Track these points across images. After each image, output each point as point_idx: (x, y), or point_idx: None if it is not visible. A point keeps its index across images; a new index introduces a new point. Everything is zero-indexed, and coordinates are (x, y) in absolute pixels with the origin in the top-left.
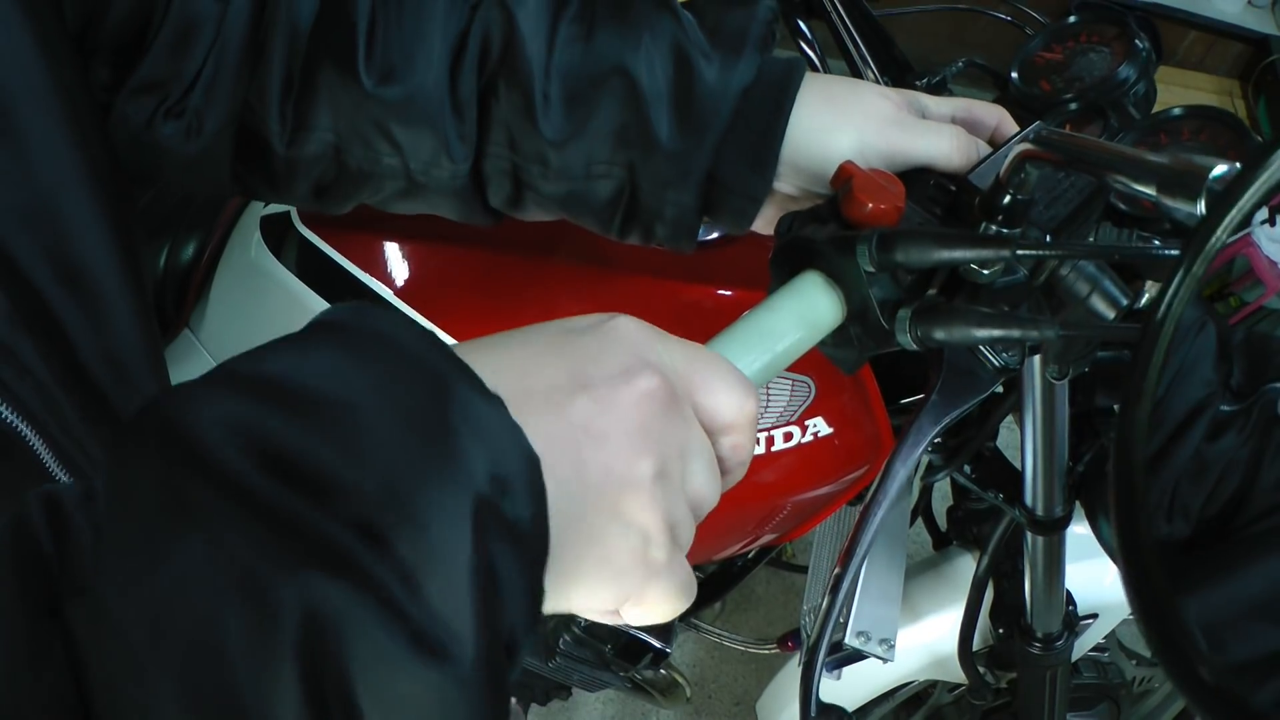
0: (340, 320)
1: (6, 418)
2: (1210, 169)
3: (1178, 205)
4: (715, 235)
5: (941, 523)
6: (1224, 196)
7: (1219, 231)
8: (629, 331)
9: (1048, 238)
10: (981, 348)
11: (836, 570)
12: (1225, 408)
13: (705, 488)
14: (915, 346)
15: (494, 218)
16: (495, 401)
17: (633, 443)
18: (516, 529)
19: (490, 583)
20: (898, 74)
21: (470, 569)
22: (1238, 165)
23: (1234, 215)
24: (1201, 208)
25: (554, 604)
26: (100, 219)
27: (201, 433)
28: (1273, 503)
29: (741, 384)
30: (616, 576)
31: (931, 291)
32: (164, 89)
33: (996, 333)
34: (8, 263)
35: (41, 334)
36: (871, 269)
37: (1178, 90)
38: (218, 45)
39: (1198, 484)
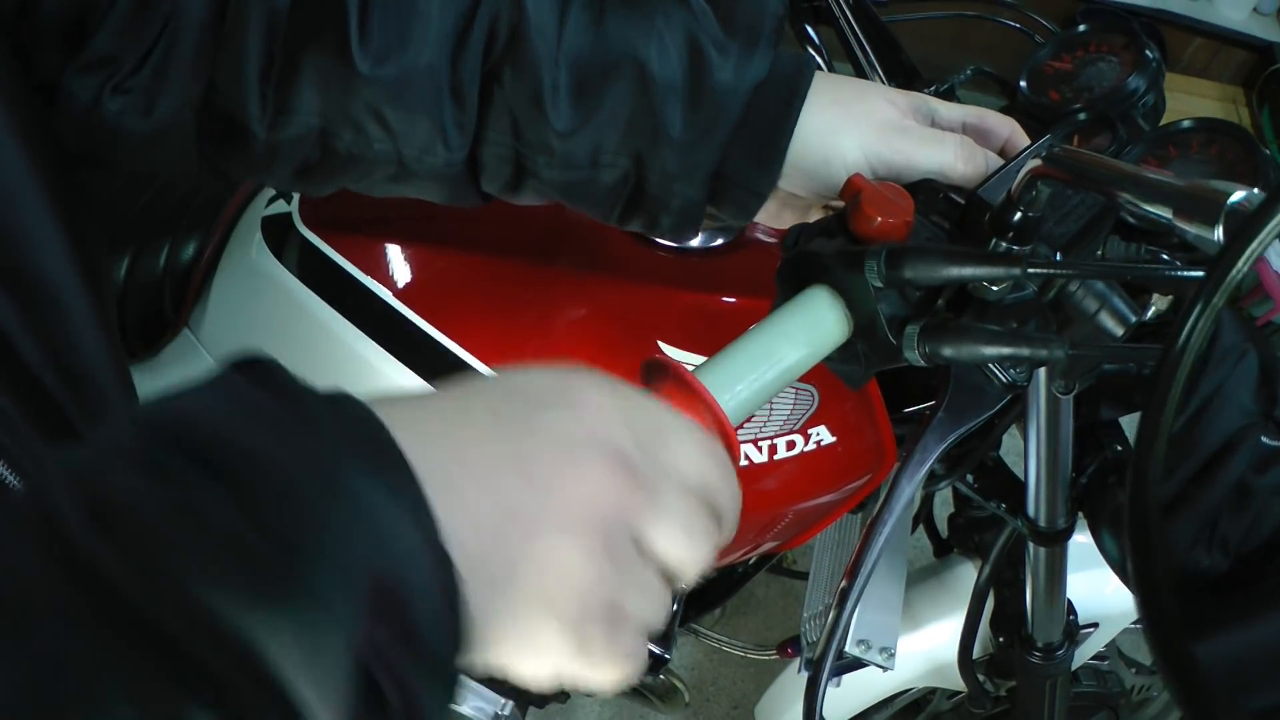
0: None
1: None
2: (1229, 194)
3: (1193, 230)
4: (719, 242)
5: (943, 529)
6: (1246, 228)
7: (1240, 264)
8: (586, 403)
9: (1057, 254)
10: (989, 365)
11: (843, 584)
12: (1270, 441)
13: (681, 552)
14: (923, 363)
15: (484, 200)
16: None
17: (572, 532)
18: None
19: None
20: (905, 81)
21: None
22: (1256, 191)
23: (1255, 247)
24: (1219, 234)
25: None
26: (55, 229)
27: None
28: None
29: (703, 440)
30: (550, 660)
31: (940, 303)
32: (114, 63)
33: (1005, 351)
34: None
35: None
36: (879, 285)
37: (1181, 97)
38: (173, 21)
39: (1239, 516)
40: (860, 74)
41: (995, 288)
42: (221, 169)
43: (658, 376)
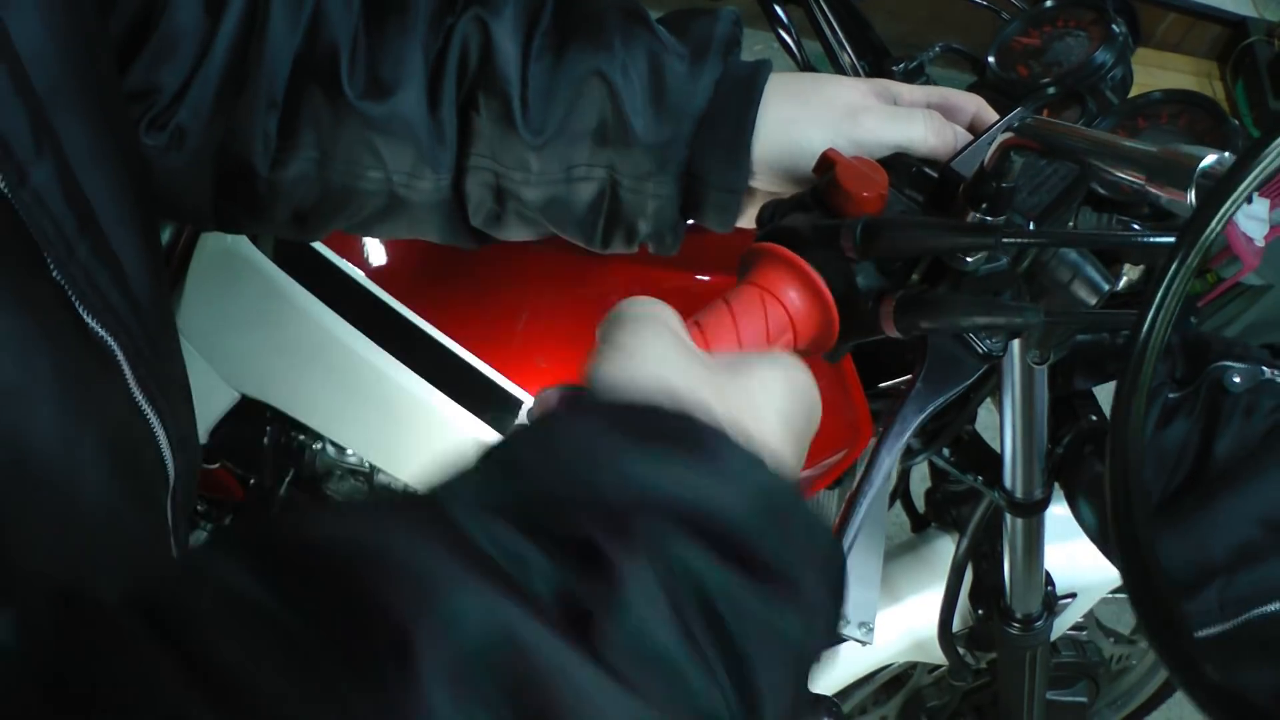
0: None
1: (99, 333)
2: (1200, 159)
3: (1165, 194)
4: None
5: (920, 505)
6: (1217, 190)
7: (1213, 225)
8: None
9: (1030, 225)
10: (966, 335)
11: None
12: (1171, 395)
13: None
14: (901, 335)
15: (476, 238)
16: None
17: None
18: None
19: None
20: (875, 59)
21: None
22: (1227, 155)
23: (1228, 208)
24: (1192, 198)
25: None
26: (127, 191)
27: None
28: (1227, 469)
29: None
30: None
31: (915, 276)
32: (148, 99)
33: (982, 320)
34: (86, 204)
35: (110, 270)
36: (855, 258)
37: (1156, 72)
38: (205, 64)
39: (1156, 473)
40: (830, 54)
41: (970, 259)
42: (229, 214)
43: (755, 259)
